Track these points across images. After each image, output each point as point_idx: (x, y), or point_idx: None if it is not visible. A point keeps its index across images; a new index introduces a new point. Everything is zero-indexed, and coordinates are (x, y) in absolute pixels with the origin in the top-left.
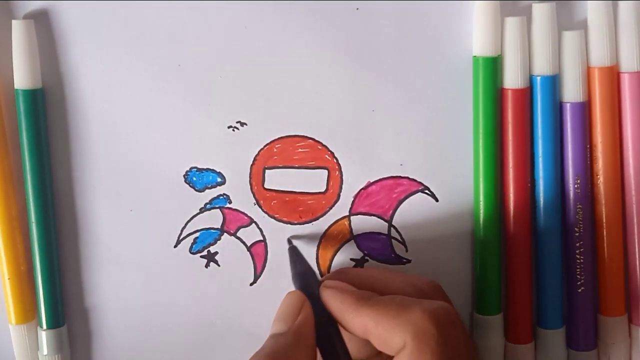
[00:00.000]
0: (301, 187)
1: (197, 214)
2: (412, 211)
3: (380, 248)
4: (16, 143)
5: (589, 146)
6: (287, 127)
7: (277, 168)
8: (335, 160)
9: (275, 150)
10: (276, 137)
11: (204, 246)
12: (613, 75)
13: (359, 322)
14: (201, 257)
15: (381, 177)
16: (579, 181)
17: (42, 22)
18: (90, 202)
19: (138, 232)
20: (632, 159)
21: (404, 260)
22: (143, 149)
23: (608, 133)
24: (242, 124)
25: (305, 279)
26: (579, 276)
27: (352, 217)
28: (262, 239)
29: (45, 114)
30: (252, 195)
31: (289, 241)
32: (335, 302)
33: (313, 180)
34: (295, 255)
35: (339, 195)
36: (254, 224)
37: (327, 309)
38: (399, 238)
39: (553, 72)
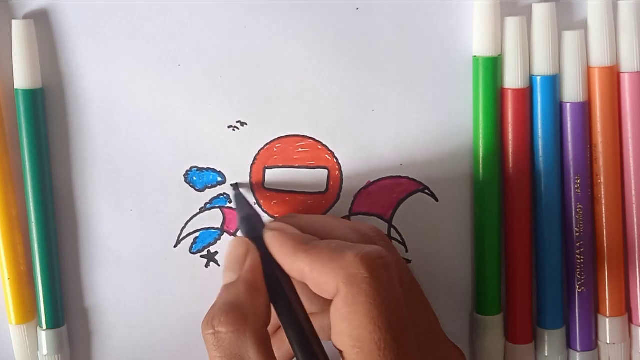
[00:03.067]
0: (301, 187)
1: (197, 213)
2: (412, 211)
3: None
4: (16, 143)
5: (589, 146)
6: (287, 126)
7: (277, 168)
8: (335, 160)
9: (275, 150)
10: (276, 137)
11: (204, 246)
12: (613, 75)
13: (296, 266)
14: (201, 257)
15: (381, 177)
16: (579, 181)
17: (42, 22)
18: (90, 202)
19: (138, 232)
20: (632, 159)
21: (407, 263)
22: (143, 149)
23: (608, 133)
24: (242, 123)
25: (251, 223)
26: (579, 276)
27: (352, 217)
28: None
29: (45, 114)
30: (252, 195)
31: (235, 187)
32: (276, 245)
33: (313, 180)
34: (240, 200)
35: (339, 195)
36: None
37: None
38: (399, 238)
39: (553, 72)
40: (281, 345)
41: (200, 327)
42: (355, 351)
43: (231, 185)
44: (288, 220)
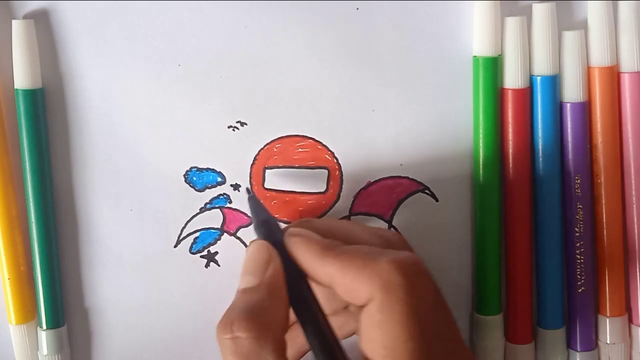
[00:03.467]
0: (301, 187)
1: (197, 213)
2: (412, 211)
3: None
4: (16, 143)
5: (589, 146)
6: (287, 127)
7: (277, 168)
8: (335, 160)
9: (275, 150)
10: (276, 137)
11: (204, 246)
12: (613, 75)
13: (325, 271)
14: (201, 257)
15: (381, 177)
16: (579, 181)
17: (42, 22)
18: (90, 202)
19: (138, 232)
20: (632, 159)
21: None
22: (143, 149)
23: (608, 133)
24: (242, 123)
25: (269, 228)
26: (579, 276)
27: (352, 218)
28: None
29: (45, 114)
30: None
31: (248, 190)
32: (301, 250)
33: (313, 180)
34: (256, 204)
35: (339, 195)
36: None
37: (292, 259)
38: None
39: (553, 72)
40: (292, 342)
41: (201, 327)
42: None
43: (246, 189)
44: (306, 224)
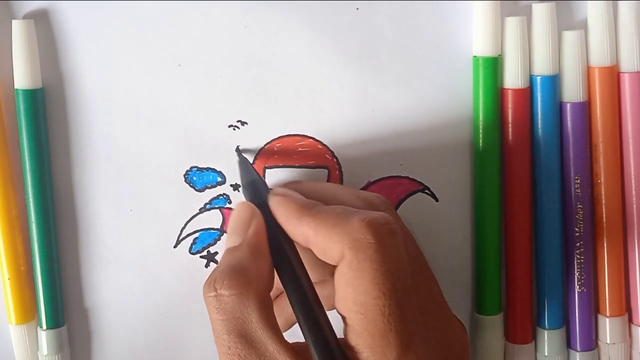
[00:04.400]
0: None
1: (197, 214)
2: (412, 211)
3: None
4: (16, 143)
5: (589, 146)
6: (287, 126)
7: (277, 167)
8: (335, 160)
9: (275, 149)
10: (276, 137)
11: (203, 246)
12: (613, 75)
13: (301, 230)
14: (201, 257)
15: (381, 177)
16: (579, 181)
17: (42, 22)
18: (90, 202)
19: (138, 232)
20: (632, 159)
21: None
22: (143, 149)
23: (608, 133)
24: (243, 123)
25: (256, 188)
26: (578, 276)
27: None
28: None
29: (45, 114)
30: None
31: (239, 152)
32: (281, 209)
33: (313, 180)
34: (245, 165)
35: None
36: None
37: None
38: None
39: (553, 72)
40: (282, 312)
41: (200, 327)
42: (359, 317)
43: (235, 150)
44: (293, 185)
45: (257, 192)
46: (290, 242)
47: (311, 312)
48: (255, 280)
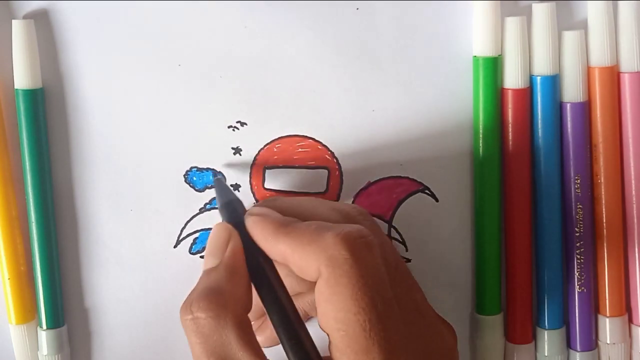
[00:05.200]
0: (301, 187)
1: (197, 214)
2: (412, 211)
3: None
4: (16, 143)
5: (589, 146)
6: (287, 127)
7: (277, 168)
8: (335, 160)
9: (275, 150)
10: (276, 137)
11: (204, 246)
12: (613, 75)
13: (278, 249)
14: (201, 257)
15: (381, 177)
16: (579, 181)
17: (42, 22)
18: (90, 202)
19: (138, 232)
20: (632, 159)
21: (404, 260)
22: (143, 149)
23: (608, 133)
24: (242, 123)
25: (232, 209)
26: (578, 276)
27: None
28: None
29: (45, 114)
30: (252, 195)
31: (214, 173)
32: (257, 229)
33: (313, 180)
34: (221, 186)
35: (339, 196)
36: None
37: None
38: (399, 238)
39: (553, 72)
40: (263, 331)
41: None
42: (341, 334)
43: (212, 172)
44: (270, 203)
45: (234, 212)
46: (268, 260)
47: (293, 331)
48: (232, 301)
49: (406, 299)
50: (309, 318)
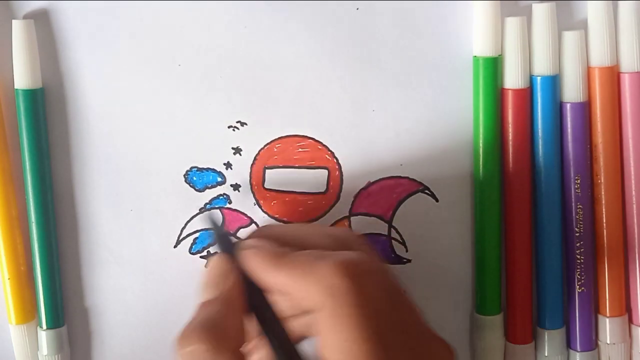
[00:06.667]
0: (301, 187)
1: (197, 214)
2: (412, 211)
3: (380, 249)
4: (16, 143)
5: (589, 146)
6: (287, 127)
7: (277, 168)
8: (335, 160)
9: (275, 150)
10: (276, 137)
11: (203, 246)
12: (613, 75)
13: (276, 282)
14: (201, 257)
15: (381, 177)
16: (579, 181)
17: (42, 22)
18: (90, 202)
19: (138, 232)
20: (632, 159)
21: (404, 260)
22: (143, 149)
23: (608, 133)
24: (242, 123)
25: (228, 243)
26: (579, 276)
27: (352, 218)
28: None
29: (45, 114)
30: (252, 195)
31: (203, 210)
32: (253, 263)
33: (313, 180)
34: (213, 221)
35: (339, 196)
36: (253, 224)
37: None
38: (399, 238)
39: (553, 72)
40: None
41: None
42: None
43: (203, 212)
44: (262, 233)
45: (228, 245)
46: (262, 291)
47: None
48: (229, 334)
49: (407, 320)
50: (303, 339)
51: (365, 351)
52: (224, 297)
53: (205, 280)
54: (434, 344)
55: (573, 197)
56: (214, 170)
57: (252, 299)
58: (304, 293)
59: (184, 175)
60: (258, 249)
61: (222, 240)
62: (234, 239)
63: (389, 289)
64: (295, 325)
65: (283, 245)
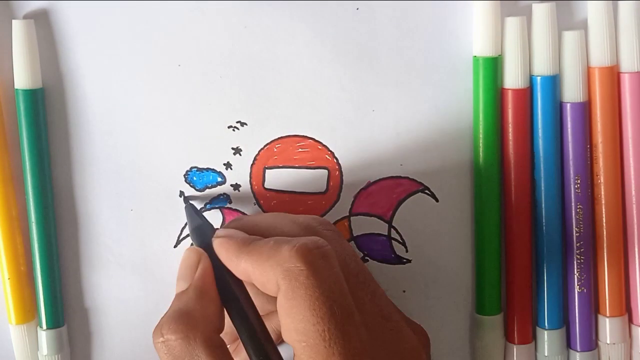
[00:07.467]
0: (301, 187)
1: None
2: (412, 211)
3: (380, 249)
4: (16, 143)
5: (589, 146)
6: (287, 127)
7: (277, 168)
8: (335, 160)
9: (275, 150)
10: (276, 137)
11: None
12: (613, 75)
13: (241, 268)
14: None
15: (381, 177)
16: (579, 181)
17: (42, 22)
18: (90, 202)
19: (138, 232)
20: (632, 159)
21: (404, 260)
22: (143, 148)
23: (608, 133)
24: (242, 124)
25: (203, 233)
26: (578, 276)
27: (352, 218)
28: None
29: (45, 114)
30: (252, 195)
31: (184, 199)
32: (222, 250)
33: (313, 180)
34: (191, 211)
35: (339, 196)
36: None
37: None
38: (399, 238)
39: (553, 72)
40: (238, 353)
41: None
42: (302, 345)
43: (183, 198)
44: (235, 223)
45: (203, 236)
46: (237, 281)
47: (261, 348)
48: (201, 322)
49: (369, 304)
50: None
51: (319, 331)
52: (194, 286)
53: (179, 272)
54: (400, 324)
55: (573, 197)
56: (214, 171)
57: (225, 289)
58: (264, 277)
59: (184, 175)
60: (227, 238)
61: (197, 231)
62: (208, 230)
63: (350, 272)
64: (271, 324)
65: (253, 234)
